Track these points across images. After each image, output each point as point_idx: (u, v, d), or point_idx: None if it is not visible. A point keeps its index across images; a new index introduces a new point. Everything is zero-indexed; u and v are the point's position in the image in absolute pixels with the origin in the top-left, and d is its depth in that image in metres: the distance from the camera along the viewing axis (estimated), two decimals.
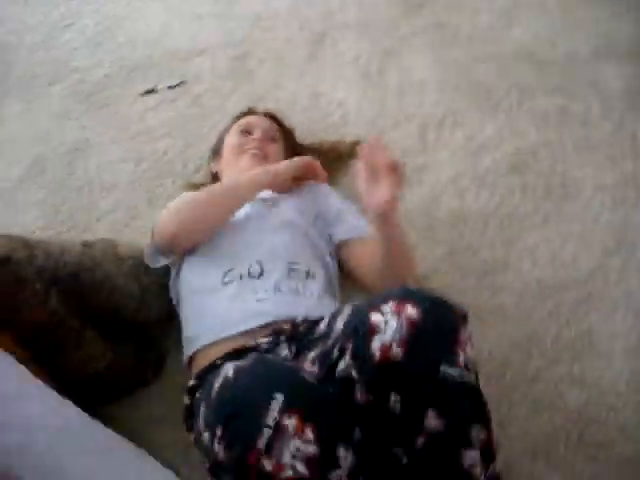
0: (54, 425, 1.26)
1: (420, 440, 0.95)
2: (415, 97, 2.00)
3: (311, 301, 1.32)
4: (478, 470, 0.97)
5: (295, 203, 1.51)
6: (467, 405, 0.97)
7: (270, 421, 0.94)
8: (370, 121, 1.96)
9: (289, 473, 0.92)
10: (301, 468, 0.93)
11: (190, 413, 1.26)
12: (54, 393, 1.26)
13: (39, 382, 1.25)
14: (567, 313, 1.46)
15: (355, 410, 0.99)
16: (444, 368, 0.96)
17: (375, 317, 1.00)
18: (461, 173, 1.77)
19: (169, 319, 1.55)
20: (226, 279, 1.34)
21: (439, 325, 0.99)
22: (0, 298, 1.19)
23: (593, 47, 2.01)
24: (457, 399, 0.96)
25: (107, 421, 1.28)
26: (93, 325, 1.37)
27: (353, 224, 1.51)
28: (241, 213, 1.47)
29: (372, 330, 0.99)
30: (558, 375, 1.37)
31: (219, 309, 1.30)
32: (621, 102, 1.85)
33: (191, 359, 1.33)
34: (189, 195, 1.49)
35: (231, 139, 1.68)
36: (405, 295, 1.02)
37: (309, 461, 0.93)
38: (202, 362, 1.28)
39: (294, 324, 1.24)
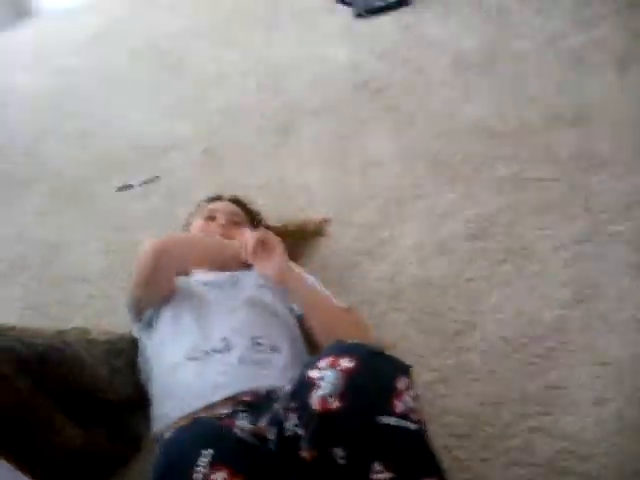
0: None
1: None
2: (376, 175, 2.08)
3: (275, 372, 1.34)
4: None
5: (255, 279, 1.55)
6: (412, 455, 0.98)
7: (198, 477, 0.95)
8: (334, 202, 2.03)
9: None
10: None
11: None
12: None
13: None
14: (533, 368, 1.48)
15: (302, 468, 1.00)
16: (381, 418, 0.97)
17: (312, 373, 1.03)
18: (423, 243, 1.83)
19: (140, 399, 1.56)
20: (190, 355, 1.36)
21: (374, 375, 1.01)
22: None
23: (542, 117, 2.11)
24: (399, 449, 0.97)
25: None
26: (63, 408, 1.38)
27: None
28: (204, 292, 1.51)
29: (310, 386, 1.01)
30: (528, 429, 1.38)
31: (183, 385, 1.32)
32: (572, 165, 1.93)
33: (161, 436, 1.34)
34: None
35: (197, 225, 1.74)
36: (340, 349, 1.05)
37: None
38: None
39: (256, 395, 1.26)
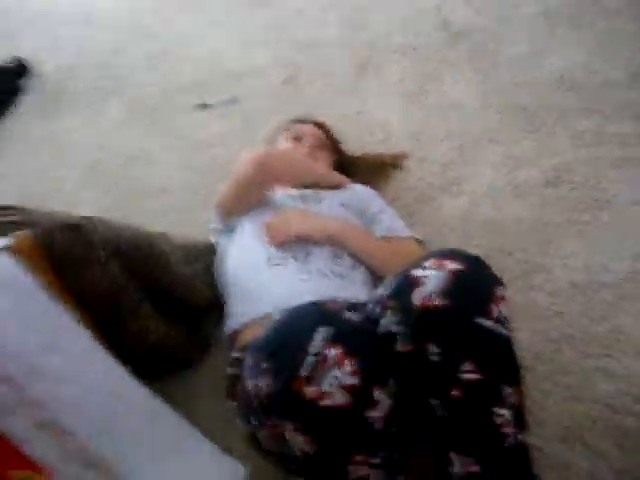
0: (108, 386, 1.35)
1: (455, 392, 1.01)
2: (455, 116, 2.10)
3: (355, 287, 1.40)
4: (508, 430, 1.03)
5: (339, 199, 1.61)
6: (500, 360, 1.03)
7: (313, 350, 1.01)
8: (411, 137, 2.06)
9: (328, 402, 0.99)
10: (339, 398, 0.99)
11: (232, 382, 1.34)
12: (111, 358, 1.36)
13: (99, 346, 1.35)
14: (598, 312, 1.51)
15: (395, 360, 1.06)
16: (480, 319, 1.03)
17: (416, 272, 1.08)
18: (498, 186, 1.85)
19: (215, 307, 1.64)
20: (271, 261, 1.42)
21: (476, 280, 1.06)
22: (69, 261, 1.29)
23: (628, 74, 2.09)
24: (490, 352, 1.02)
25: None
26: (152, 297, 1.47)
27: (387, 225, 1.60)
28: (289, 205, 1.57)
29: (414, 283, 1.06)
30: (588, 368, 1.42)
31: (264, 287, 1.39)
32: None
33: (234, 333, 1.42)
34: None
35: (283, 145, 1.80)
36: (446, 253, 1.10)
37: (347, 392, 1.00)
38: (246, 337, 1.37)
39: (337, 303, 1.32)
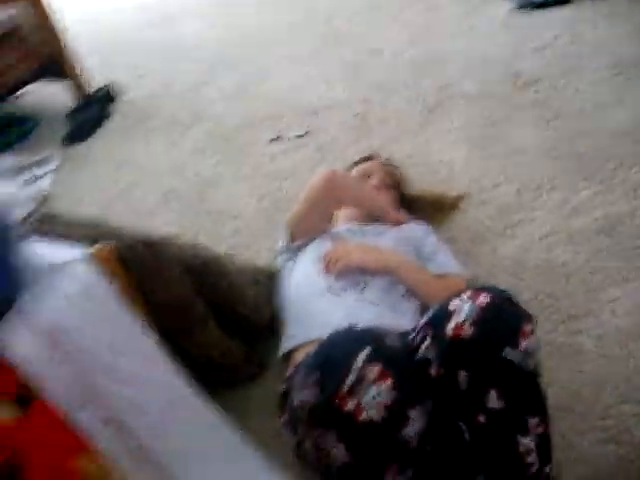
0: (169, 392, 1.47)
1: (481, 417, 1.09)
2: (516, 162, 2.17)
3: (406, 318, 1.49)
4: (532, 460, 1.10)
5: (397, 235, 1.71)
6: (525, 391, 1.10)
7: (356, 366, 1.11)
8: (472, 179, 2.15)
9: (365, 416, 1.07)
10: (375, 413, 1.08)
11: (285, 399, 1.44)
12: (174, 366, 1.48)
13: (164, 354, 1.47)
14: None
15: (428, 383, 1.14)
16: (507, 351, 1.10)
17: (453, 303, 1.17)
18: (552, 231, 1.91)
19: (273, 326, 1.75)
20: (332, 290, 1.53)
21: (507, 313, 1.14)
22: (144, 275, 1.42)
23: None
24: (515, 382, 1.10)
25: None
26: (216, 314, 1.59)
27: (441, 262, 1.68)
28: (349, 237, 1.68)
29: (450, 314, 1.15)
30: (627, 413, 1.46)
31: (322, 313, 1.49)
32: None
33: (289, 354, 1.52)
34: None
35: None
36: (481, 288, 1.19)
37: (384, 408, 1.08)
38: (299, 356, 1.46)
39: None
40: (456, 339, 1.11)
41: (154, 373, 1.44)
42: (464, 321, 1.12)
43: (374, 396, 1.09)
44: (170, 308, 1.48)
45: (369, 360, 1.12)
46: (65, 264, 1.38)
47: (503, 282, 1.79)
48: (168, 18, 4.01)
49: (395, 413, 1.09)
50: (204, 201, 2.40)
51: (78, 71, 3.12)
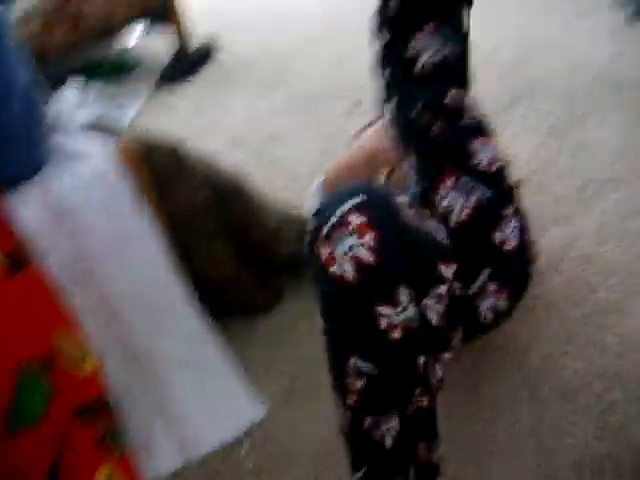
0: (165, 296, 1.48)
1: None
2: (586, 159, 2.06)
3: None
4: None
5: None
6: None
7: (338, 213, 0.95)
8: (536, 170, 2.05)
9: (336, 269, 0.92)
10: (348, 269, 0.92)
11: None
12: (173, 270, 1.49)
13: (166, 254, 1.48)
14: None
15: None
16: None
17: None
18: (606, 227, 1.80)
19: (295, 266, 1.73)
20: None
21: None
22: (162, 176, 1.44)
23: None
24: None
25: None
26: (229, 237, 1.59)
27: None
28: None
29: None
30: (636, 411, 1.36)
31: None
32: None
33: None
34: None
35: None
36: None
37: (358, 266, 0.92)
38: None
39: None
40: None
41: (155, 272, 1.46)
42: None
43: (350, 249, 0.92)
44: (182, 216, 1.49)
45: (355, 208, 0.95)
46: (89, 153, 1.41)
47: (541, 264, 1.70)
48: None
49: (370, 278, 0.92)
50: (267, 153, 2.42)
51: (182, 21, 3.21)
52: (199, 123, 2.72)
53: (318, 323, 1.59)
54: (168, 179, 1.45)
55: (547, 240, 1.79)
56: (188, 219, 1.49)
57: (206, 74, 3.19)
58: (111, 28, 3.12)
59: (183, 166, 1.46)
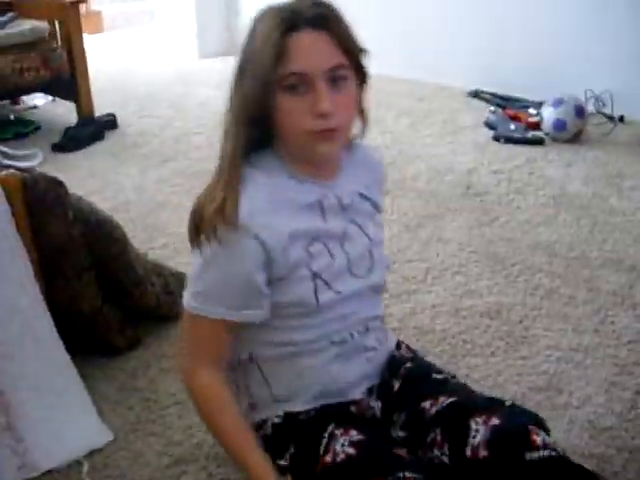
0: (29, 323, 1.56)
1: None
2: (438, 249, 2.32)
3: (390, 345, 1.39)
4: None
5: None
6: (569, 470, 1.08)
7: (326, 434, 1.16)
8: (391, 253, 2.28)
9: (341, 457, 1.11)
10: (350, 450, 1.12)
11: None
12: (41, 300, 1.58)
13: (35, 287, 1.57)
14: None
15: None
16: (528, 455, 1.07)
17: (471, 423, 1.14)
18: (441, 304, 2.02)
19: (156, 313, 1.86)
20: (334, 338, 1.24)
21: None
22: (39, 208, 1.55)
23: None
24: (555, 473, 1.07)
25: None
26: (98, 275, 1.70)
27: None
28: None
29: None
30: None
31: (324, 372, 1.25)
32: None
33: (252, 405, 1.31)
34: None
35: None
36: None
37: (355, 444, 1.13)
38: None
39: (383, 380, 1.32)
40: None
41: (21, 299, 1.54)
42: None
43: (344, 442, 1.14)
44: (54, 247, 1.60)
45: (337, 427, 1.17)
46: None
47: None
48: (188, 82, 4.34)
49: (369, 443, 1.14)
50: (149, 217, 2.57)
51: (86, 95, 3.39)
52: (92, 185, 2.85)
53: (170, 365, 1.74)
54: (46, 211, 1.56)
55: (389, 311, 1.99)
56: (62, 251, 1.60)
57: (106, 143, 3.35)
58: (16, 91, 3.26)
59: (61, 200, 1.58)
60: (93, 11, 5.77)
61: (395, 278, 2.13)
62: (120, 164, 3.11)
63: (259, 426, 1.26)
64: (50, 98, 3.83)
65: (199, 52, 4.89)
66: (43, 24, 3.29)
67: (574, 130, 3.19)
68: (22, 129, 3.39)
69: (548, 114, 3.22)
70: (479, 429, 1.12)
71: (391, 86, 3.98)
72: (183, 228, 2.28)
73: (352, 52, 1.12)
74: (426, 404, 1.22)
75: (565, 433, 1.54)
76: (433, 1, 4.00)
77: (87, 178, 2.94)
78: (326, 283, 1.19)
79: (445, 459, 1.14)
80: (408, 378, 1.30)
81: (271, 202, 1.14)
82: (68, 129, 3.31)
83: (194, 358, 1.24)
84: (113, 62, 4.85)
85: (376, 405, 1.29)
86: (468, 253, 2.30)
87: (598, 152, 3.12)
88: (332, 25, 1.09)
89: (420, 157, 3.11)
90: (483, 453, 1.09)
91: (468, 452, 1.11)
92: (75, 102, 3.46)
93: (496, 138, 3.27)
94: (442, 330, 1.92)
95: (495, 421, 1.12)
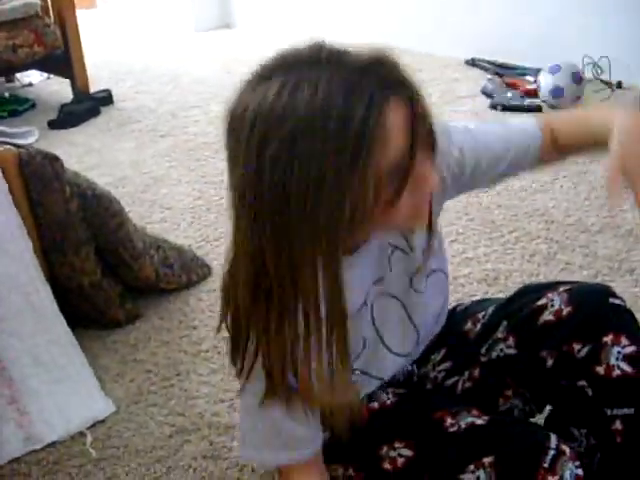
0: (29, 298, 1.57)
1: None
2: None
3: None
4: None
5: None
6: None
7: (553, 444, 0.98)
8: None
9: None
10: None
11: None
12: (40, 274, 1.59)
13: (33, 256, 1.58)
14: None
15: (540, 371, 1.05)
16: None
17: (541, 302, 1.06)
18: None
19: (156, 287, 1.87)
20: None
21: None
22: (39, 182, 1.56)
23: None
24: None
25: None
26: (97, 248, 1.71)
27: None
28: None
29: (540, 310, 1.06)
30: None
31: None
32: None
33: None
34: None
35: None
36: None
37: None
38: None
39: None
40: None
41: (21, 275, 1.56)
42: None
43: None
44: (52, 222, 1.61)
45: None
46: None
47: None
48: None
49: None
50: (147, 192, 2.58)
51: (81, 71, 3.38)
52: (89, 161, 2.85)
53: (171, 338, 1.76)
54: (43, 186, 1.57)
55: None
56: (60, 225, 1.61)
57: (102, 119, 3.34)
58: (10, 68, 3.25)
59: (58, 175, 1.59)
60: None
61: None
62: (116, 140, 3.10)
63: None
64: (45, 75, 3.80)
65: (195, 26, 4.85)
66: (35, 0, 3.26)
67: (571, 97, 3.17)
68: (17, 107, 3.37)
69: (545, 81, 3.20)
70: (553, 298, 1.04)
71: None
72: (181, 203, 2.34)
73: None
74: (467, 325, 1.16)
75: None
76: None
77: (84, 154, 2.94)
78: None
79: (511, 350, 1.07)
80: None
81: None
82: (63, 106, 3.30)
83: None
84: (107, 37, 4.81)
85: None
86: (465, 221, 2.30)
87: None
88: None
89: None
90: (567, 311, 1.01)
91: (549, 318, 1.02)
92: (70, 78, 3.44)
93: (493, 106, 3.25)
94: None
95: (566, 287, 1.06)
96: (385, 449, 1.04)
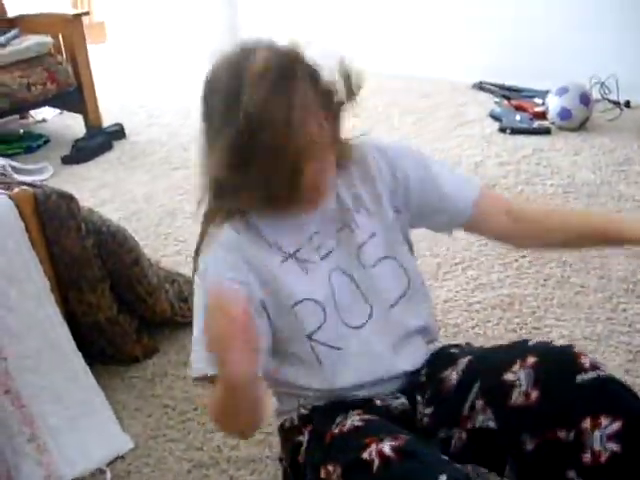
0: (47, 335, 1.59)
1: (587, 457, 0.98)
2: (448, 241, 2.33)
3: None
4: None
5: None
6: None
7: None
8: None
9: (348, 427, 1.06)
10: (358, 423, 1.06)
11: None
12: (57, 311, 1.61)
13: (50, 296, 1.60)
14: None
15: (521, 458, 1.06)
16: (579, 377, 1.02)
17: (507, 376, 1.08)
18: (453, 299, 2.04)
19: (172, 321, 1.88)
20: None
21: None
22: (52, 222, 1.59)
23: None
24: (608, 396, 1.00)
25: None
26: (112, 285, 1.73)
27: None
28: None
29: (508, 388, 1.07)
30: None
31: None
32: None
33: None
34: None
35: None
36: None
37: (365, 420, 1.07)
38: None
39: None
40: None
41: (39, 313, 1.58)
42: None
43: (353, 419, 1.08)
44: (69, 259, 1.63)
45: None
46: None
47: None
48: None
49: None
50: (161, 225, 2.60)
51: (93, 106, 3.43)
52: (102, 195, 2.89)
53: (187, 372, 1.77)
54: (59, 225, 1.59)
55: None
56: (76, 263, 1.63)
57: (115, 153, 3.39)
58: (24, 106, 3.31)
59: (74, 214, 1.62)
60: (96, 22, 5.80)
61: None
62: (129, 174, 3.14)
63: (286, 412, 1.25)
64: (58, 111, 3.86)
65: (207, 58, 4.89)
66: (47, 38, 3.33)
67: (580, 118, 3.18)
68: (31, 143, 3.43)
69: (553, 103, 3.22)
70: (519, 376, 1.06)
71: (395, 83, 4.01)
72: (195, 235, 2.35)
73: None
74: (446, 372, 1.18)
75: None
76: None
77: (97, 189, 2.98)
78: None
79: (491, 424, 1.08)
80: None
81: None
82: (77, 141, 3.35)
83: None
84: (118, 71, 4.90)
85: (403, 398, 1.22)
86: (478, 246, 2.31)
87: (605, 139, 3.11)
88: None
89: (428, 153, 3.11)
90: (534, 395, 1.03)
91: (519, 401, 1.04)
92: (82, 114, 3.49)
93: (502, 129, 3.27)
94: (455, 325, 1.93)
95: (532, 357, 1.07)
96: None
